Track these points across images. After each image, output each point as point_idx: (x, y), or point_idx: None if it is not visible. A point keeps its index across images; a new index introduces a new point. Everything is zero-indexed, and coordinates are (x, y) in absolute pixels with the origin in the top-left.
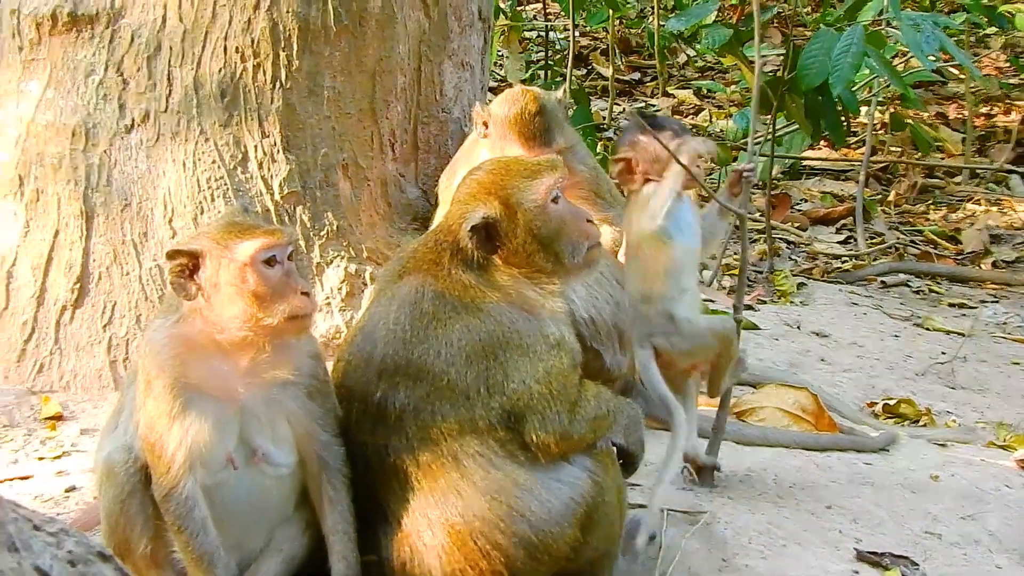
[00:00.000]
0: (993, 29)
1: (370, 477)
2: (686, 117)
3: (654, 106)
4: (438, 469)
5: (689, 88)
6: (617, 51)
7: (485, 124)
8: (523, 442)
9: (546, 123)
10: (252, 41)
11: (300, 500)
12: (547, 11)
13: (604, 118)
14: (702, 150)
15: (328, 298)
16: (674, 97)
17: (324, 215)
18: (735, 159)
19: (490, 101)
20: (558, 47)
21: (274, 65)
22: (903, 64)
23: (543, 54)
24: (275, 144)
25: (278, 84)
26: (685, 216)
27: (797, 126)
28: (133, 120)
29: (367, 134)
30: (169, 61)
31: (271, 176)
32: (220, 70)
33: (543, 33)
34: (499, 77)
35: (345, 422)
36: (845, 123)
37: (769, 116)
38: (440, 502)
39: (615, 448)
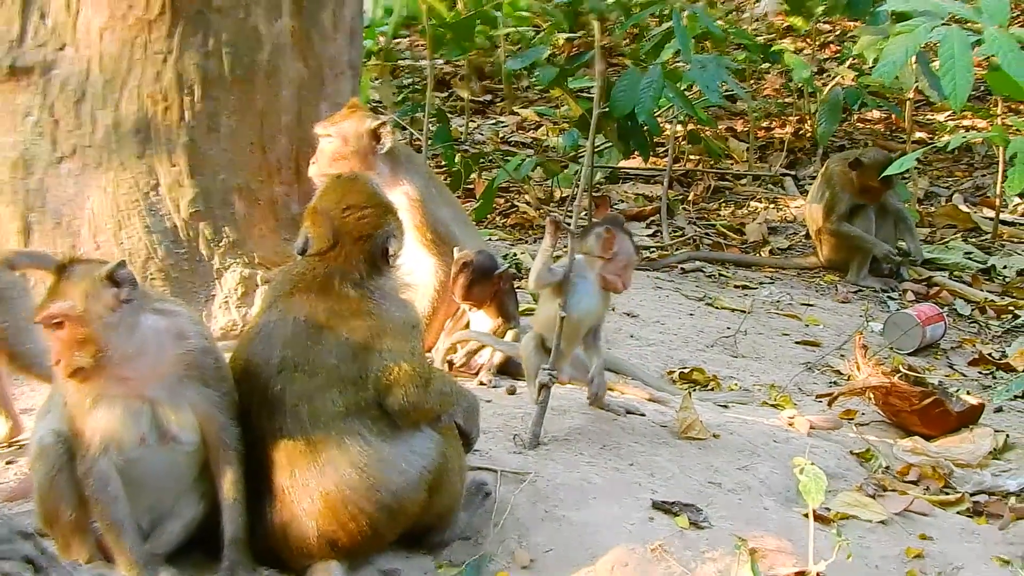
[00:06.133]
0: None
1: (263, 457)
2: (528, 132)
3: (503, 122)
4: (322, 447)
5: (531, 108)
6: (473, 77)
7: None
8: (390, 419)
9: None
10: (161, 88)
11: (200, 473)
12: (415, 44)
13: (462, 133)
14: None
15: (226, 297)
16: (519, 115)
17: (223, 230)
18: (564, 168)
19: None
20: (425, 73)
21: (180, 108)
22: (698, 92)
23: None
24: (181, 172)
25: (183, 123)
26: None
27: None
28: (63, 154)
29: (257, 163)
30: (93, 105)
31: (178, 198)
32: (135, 112)
33: (413, 62)
34: (375, 101)
35: (245, 410)
36: (650, 141)
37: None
38: (319, 474)
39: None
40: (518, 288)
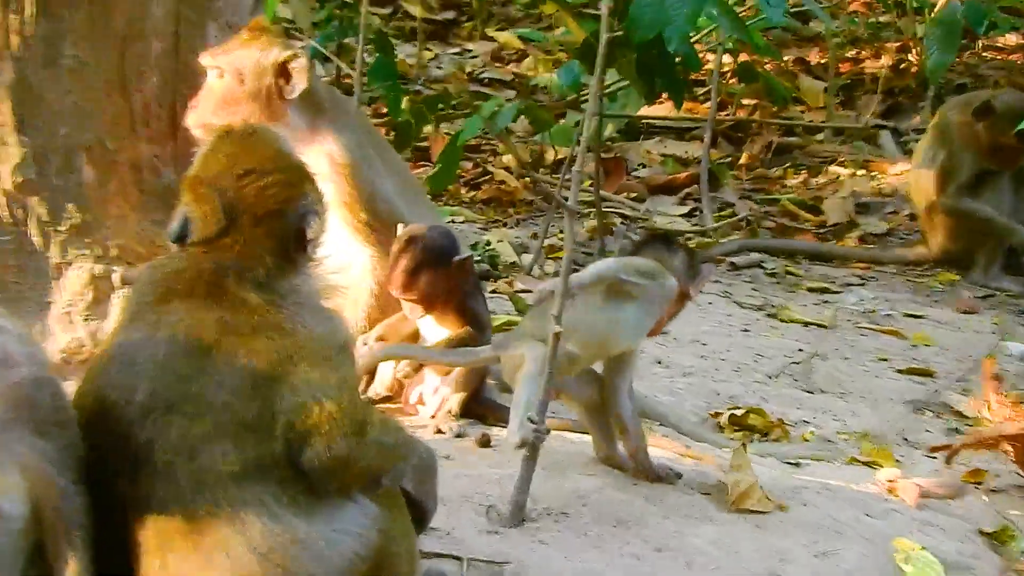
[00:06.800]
0: None
1: (122, 537)
2: (508, 64)
3: (470, 51)
4: (210, 522)
5: (511, 30)
6: None
7: None
8: (307, 483)
9: None
10: None
11: (31, 558)
12: None
13: (412, 67)
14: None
15: (69, 305)
16: (494, 41)
17: (64, 207)
18: (560, 118)
19: None
20: None
21: (3, 31)
22: (755, 8)
23: None
24: (5, 125)
25: (8, 54)
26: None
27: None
28: None
29: (116, 111)
30: None
31: (1, 162)
32: None
33: None
34: (287, 21)
35: (96, 469)
36: (685, 79)
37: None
38: (204, 561)
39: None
40: (493, 293)
